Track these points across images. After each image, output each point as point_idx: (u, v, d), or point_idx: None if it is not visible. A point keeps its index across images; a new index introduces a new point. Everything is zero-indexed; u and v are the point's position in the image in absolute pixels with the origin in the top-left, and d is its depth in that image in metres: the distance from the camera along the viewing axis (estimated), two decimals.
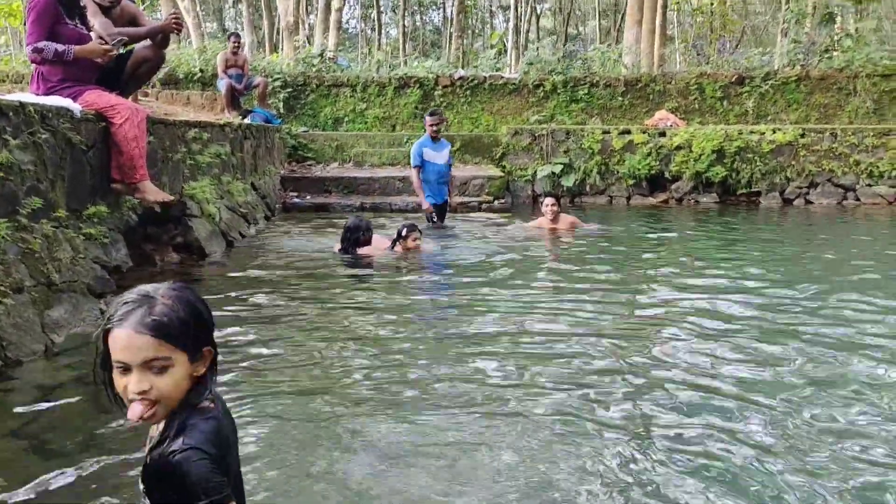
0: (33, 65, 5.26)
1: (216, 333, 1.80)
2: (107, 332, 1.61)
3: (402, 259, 6.85)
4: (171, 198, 5.80)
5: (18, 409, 3.16)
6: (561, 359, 3.88)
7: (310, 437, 2.90)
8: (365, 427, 2.99)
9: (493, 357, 3.92)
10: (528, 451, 2.78)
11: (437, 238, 8.13)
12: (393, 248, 6.99)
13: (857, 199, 12.36)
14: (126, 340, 1.58)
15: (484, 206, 11.28)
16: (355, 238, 6.96)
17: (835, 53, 15.83)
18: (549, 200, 8.72)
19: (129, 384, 1.59)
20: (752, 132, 12.67)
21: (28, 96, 4.94)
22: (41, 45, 4.97)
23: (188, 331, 1.64)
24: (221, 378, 3.42)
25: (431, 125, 9.27)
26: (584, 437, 2.91)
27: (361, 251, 6.93)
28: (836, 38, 16.89)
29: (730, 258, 7.11)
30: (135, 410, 1.59)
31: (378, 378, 3.59)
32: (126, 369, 1.59)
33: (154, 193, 5.42)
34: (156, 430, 1.70)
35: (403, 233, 6.89)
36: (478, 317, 4.80)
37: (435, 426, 3.01)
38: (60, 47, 5.01)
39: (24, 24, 5.18)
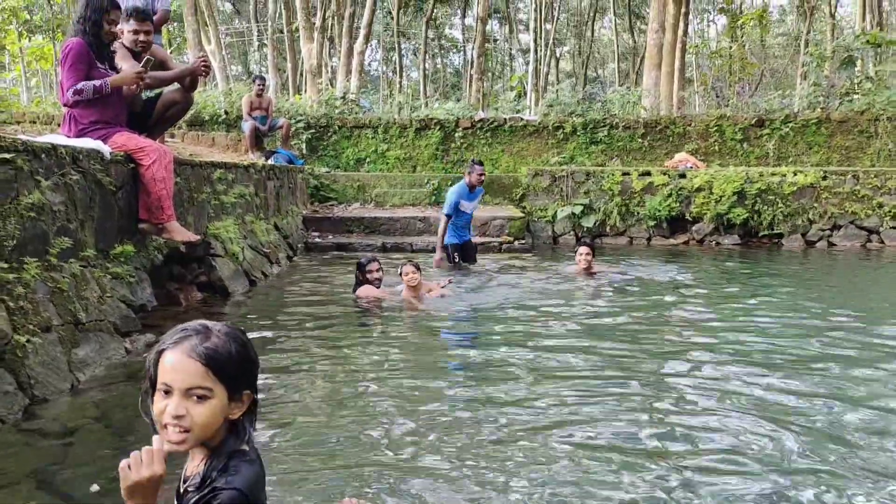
0: (65, 108, 5.39)
1: None
2: (160, 355, 1.66)
3: (402, 302, 6.66)
4: (197, 238, 5.87)
5: (44, 448, 3.18)
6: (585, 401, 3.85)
7: (333, 481, 2.89)
8: (391, 473, 2.98)
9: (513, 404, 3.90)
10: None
11: (460, 280, 7.94)
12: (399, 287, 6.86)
13: (882, 242, 12.25)
14: (176, 363, 1.63)
15: (504, 246, 11.30)
16: (356, 276, 6.91)
17: (855, 96, 15.85)
18: (583, 249, 8.32)
19: (167, 406, 1.63)
20: (773, 174, 12.64)
21: (60, 138, 5.06)
22: (79, 86, 5.11)
23: (234, 368, 1.68)
24: None
25: (481, 175, 9.09)
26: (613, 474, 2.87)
27: (360, 291, 6.77)
28: (856, 81, 16.92)
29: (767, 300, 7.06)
30: (168, 437, 1.64)
31: (393, 421, 3.58)
32: (168, 392, 1.64)
33: (181, 234, 5.50)
34: (192, 470, 1.71)
35: (399, 270, 6.83)
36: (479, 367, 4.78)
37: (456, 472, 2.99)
38: (97, 83, 5.15)
39: (60, 70, 5.32)
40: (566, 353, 4.88)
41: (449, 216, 9.03)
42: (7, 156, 3.79)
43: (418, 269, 6.81)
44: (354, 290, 6.88)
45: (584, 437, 3.35)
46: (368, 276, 6.80)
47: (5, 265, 3.68)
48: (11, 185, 3.83)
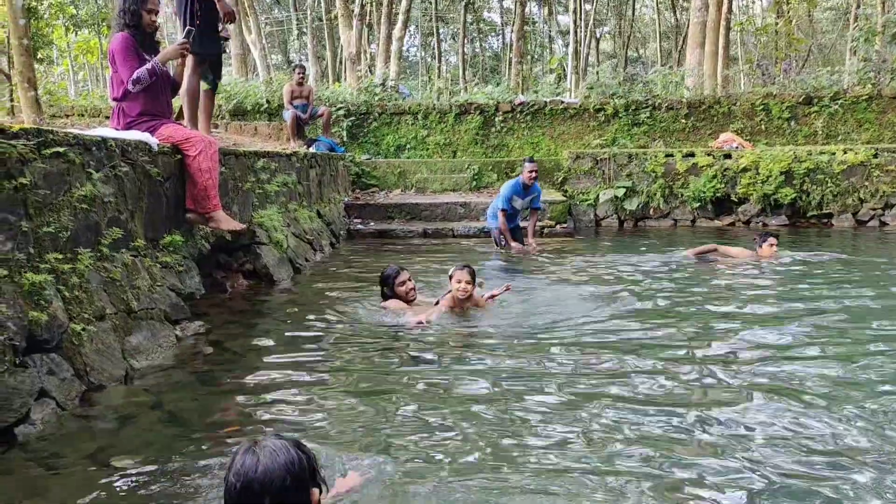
0: (113, 102, 5.49)
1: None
2: None
3: (442, 315, 5.36)
4: (243, 226, 5.96)
5: (100, 433, 3.28)
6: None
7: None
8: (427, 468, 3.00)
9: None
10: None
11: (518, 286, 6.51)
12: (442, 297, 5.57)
13: None
14: None
15: (546, 230, 11.24)
16: (382, 293, 5.70)
17: None
18: (771, 240, 8.07)
19: None
20: (821, 153, 12.34)
21: (109, 131, 5.16)
22: (135, 75, 5.20)
23: None
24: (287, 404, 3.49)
25: (530, 172, 9.16)
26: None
27: (389, 304, 5.57)
28: None
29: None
30: None
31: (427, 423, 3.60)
32: None
33: (227, 222, 5.59)
34: None
35: (451, 272, 5.50)
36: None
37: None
38: (148, 66, 5.25)
39: (111, 67, 5.40)
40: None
41: (503, 210, 9.24)
42: (60, 149, 3.89)
43: (473, 278, 5.41)
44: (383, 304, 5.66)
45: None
46: (398, 289, 5.54)
47: (60, 256, 3.78)
48: (64, 178, 3.93)
